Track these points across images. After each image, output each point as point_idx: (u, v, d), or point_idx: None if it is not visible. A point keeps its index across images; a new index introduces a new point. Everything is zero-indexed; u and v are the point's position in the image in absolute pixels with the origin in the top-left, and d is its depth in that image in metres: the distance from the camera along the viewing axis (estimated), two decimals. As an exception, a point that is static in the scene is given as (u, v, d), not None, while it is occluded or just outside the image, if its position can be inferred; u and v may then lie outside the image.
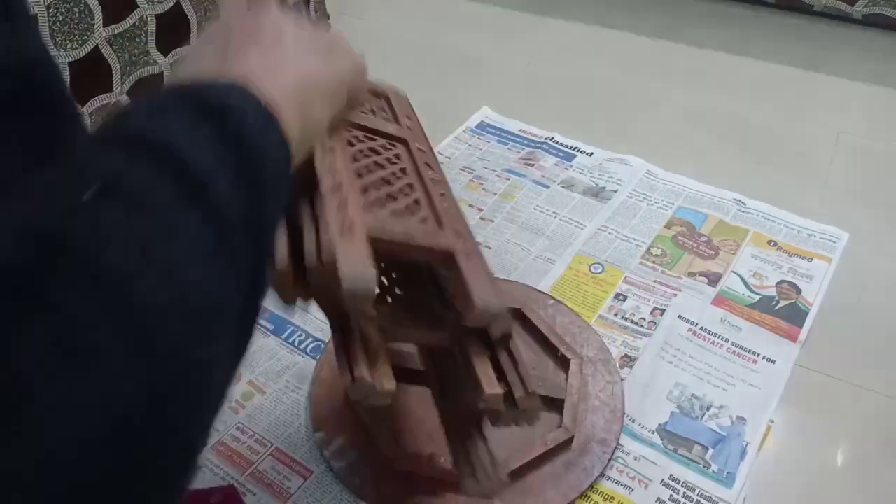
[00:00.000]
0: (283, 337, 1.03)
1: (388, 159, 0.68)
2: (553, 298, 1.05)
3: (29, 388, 0.21)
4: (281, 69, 0.35)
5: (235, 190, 0.29)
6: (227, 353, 0.28)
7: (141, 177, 0.26)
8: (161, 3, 1.32)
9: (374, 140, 0.69)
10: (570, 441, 0.86)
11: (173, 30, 1.37)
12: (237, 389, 0.96)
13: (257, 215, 0.30)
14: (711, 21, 1.74)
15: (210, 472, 0.88)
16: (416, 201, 0.65)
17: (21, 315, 0.22)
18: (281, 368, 0.99)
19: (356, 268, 0.45)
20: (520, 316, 1.00)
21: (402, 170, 0.68)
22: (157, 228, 0.25)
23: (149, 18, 1.31)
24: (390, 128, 0.73)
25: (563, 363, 0.94)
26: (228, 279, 0.28)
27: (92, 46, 1.23)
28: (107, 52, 1.26)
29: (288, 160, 0.33)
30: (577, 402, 0.90)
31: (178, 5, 1.36)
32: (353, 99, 0.44)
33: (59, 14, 1.16)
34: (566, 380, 0.92)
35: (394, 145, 0.71)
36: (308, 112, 0.36)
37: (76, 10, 1.19)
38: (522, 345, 0.98)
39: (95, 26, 1.23)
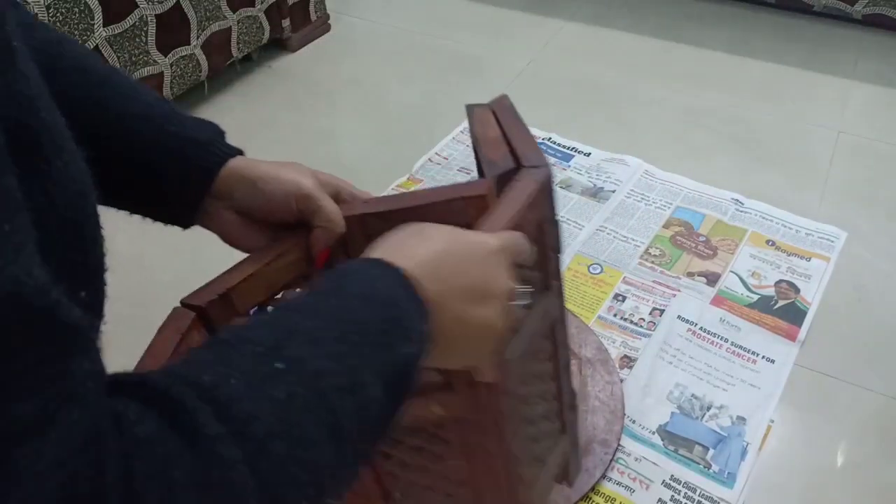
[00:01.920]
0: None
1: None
2: None
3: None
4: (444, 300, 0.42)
5: (384, 399, 0.37)
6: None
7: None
8: (161, 3, 1.32)
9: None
10: None
11: (173, 30, 1.37)
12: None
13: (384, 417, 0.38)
14: (711, 21, 1.74)
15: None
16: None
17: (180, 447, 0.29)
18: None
19: None
20: None
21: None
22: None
23: (149, 18, 1.31)
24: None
25: None
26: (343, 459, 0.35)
27: (92, 46, 1.23)
28: (107, 51, 1.26)
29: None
30: (577, 404, 0.90)
31: (177, 5, 1.36)
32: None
33: (59, 14, 1.16)
34: None
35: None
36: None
37: (76, 9, 1.19)
38: None
39: (95, 26, 1.23)
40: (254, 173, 0.53)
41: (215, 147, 0.53)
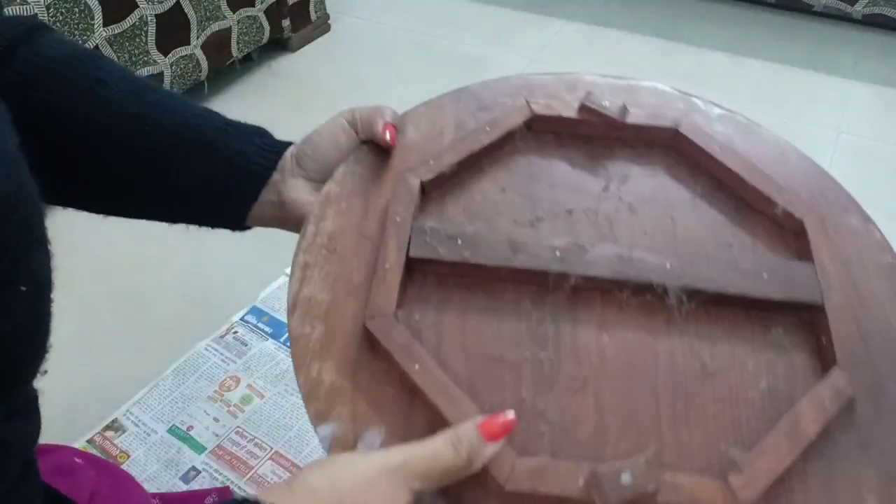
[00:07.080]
0: (282, 340, 1.03)
1: None
2: None
3: None
4: None
5: None
6: None
7: None
8: (161, 3, 1.32)
9: None
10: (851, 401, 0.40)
11: (173, 30, 1.37)
12: (236, 394, 0.96)
13: None
14: (711, 21, 1.74)
15: (210, 476, 0.87)
16: None
17: None
18: (280, 372, 0.99)
19: None
20: (669, 144, 0.53)
21: None
22: None
23: (149, 18, 1.31)
24: None
25: (787, 224, 0.49)
26: None
27: (91, 46, 1.23)
28: (107, 51, 1.26)
29: None
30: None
31: (177, 5, 1.35)
32: None
33: (59, 14, 1.16)
34: (812, 264, 0.46)
35: None
36: None
37: (76, 9, 1.19)
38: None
39: (95, 26, 1.23)
40: (303, 146, 0.55)
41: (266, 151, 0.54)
